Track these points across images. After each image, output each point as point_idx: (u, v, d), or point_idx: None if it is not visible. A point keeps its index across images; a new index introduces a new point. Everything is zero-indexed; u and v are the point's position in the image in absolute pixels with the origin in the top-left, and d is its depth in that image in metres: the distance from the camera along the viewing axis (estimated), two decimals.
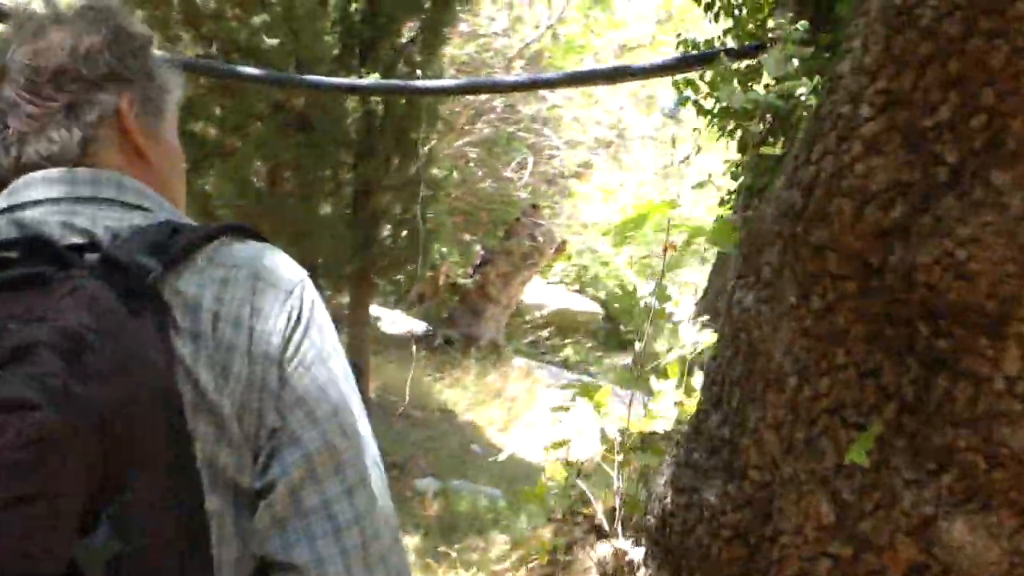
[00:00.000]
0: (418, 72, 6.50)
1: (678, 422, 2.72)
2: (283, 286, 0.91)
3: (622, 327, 23.65)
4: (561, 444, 3.36)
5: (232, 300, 0.88)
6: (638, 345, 2.76)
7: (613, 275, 21.16)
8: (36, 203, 0.94)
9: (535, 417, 11.51)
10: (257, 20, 6.07)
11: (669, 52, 17.83)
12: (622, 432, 2.78)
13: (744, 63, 5.85)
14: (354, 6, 6.58)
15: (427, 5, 7.03)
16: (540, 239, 14.85)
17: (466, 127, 12.08)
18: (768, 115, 4.09)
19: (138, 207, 0.96)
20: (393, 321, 13.76)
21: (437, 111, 7.39)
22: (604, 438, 2.80)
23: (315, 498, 0.85)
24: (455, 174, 10.17)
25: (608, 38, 15.37)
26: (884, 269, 1.39)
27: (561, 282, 22.26)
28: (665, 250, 2.73)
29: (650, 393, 3.07)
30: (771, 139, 5.36)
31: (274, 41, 6.18)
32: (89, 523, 0.73)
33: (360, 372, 7.52)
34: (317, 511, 0.85)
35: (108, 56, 1.01)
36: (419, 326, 14.68)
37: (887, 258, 1.37)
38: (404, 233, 7.28)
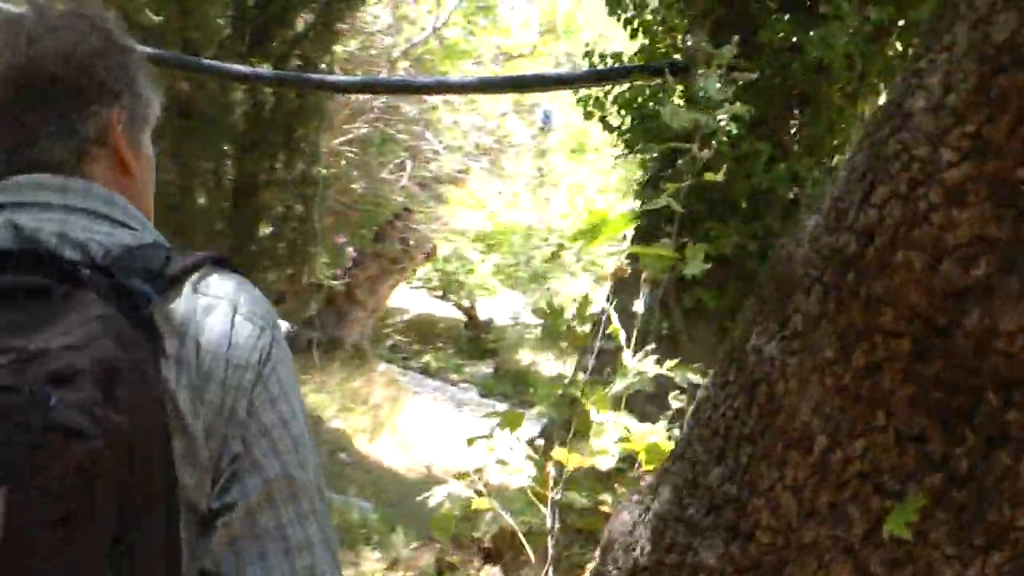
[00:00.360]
0: (323, 66, 6.21)
1: (622, 460, 2.57)
2: (258, 322, 0.97)
3: (483, 336, 23.67)
4: (478, 471, 3.16)
5: (213, 330, 0.93)
6: (582, 375, 2.60)
7: (479, 283, 21.11)
8: (28, 205, 0.96)
9: (401, 425, 11.29)
10: None
11: (551, 62, 17.89)
12: (558, 466, 2.61)
13: (650, 82, 5.83)
14: None
15: None
16: (412, 243, 14.61)
17: (344, 125, 11.75)
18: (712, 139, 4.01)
19: (125, 224, 1.00)
20: None
21: (326, 108, 7.10)
22: (540, 473, 2.62)
23: (271, 522, 0.91)
24: (330, 172, 9.87)
25: (489, 43, 15.27)
26: (951, 331, 1.27)
27: (423, 287, 22.08)
28: (616, 275, 2.58)
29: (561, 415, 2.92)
30: (679, 162, 5.32)
31: (159, 18, 5.78)
32: (113, 549, 0.78)
33: None
34: (272, 534, 0.91)
35: (100, 68, 1.03)
36: (282, 326, 14.21)
37: (960, 320, 1.25)
38: (286, 231, 6.95)
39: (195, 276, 0.97)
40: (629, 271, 2.60)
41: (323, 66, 6.39)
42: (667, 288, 5.18)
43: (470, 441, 3.29)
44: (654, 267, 2.89)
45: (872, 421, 1.41)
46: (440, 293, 22.97)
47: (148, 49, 4.18)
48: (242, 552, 0.91)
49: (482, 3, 15.58)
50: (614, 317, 2.79)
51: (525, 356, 22.63)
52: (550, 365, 22.75)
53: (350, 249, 12.70)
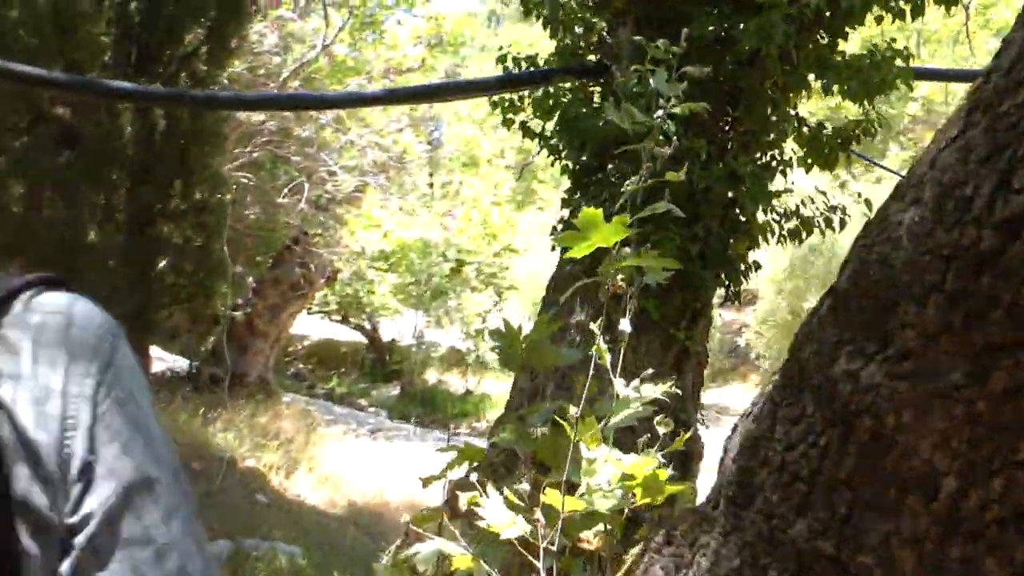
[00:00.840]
0: (225, 82, 5.76)
1: (623, 499, 2.29)
2: (94, 331, 0.94)
3: (387, 357, 23.26)
4: (434, 514, 2.83)
5: (49, 344, 0.91)
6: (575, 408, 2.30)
7: (380, 304, 20.69)
8: None
9: (316, 458, 10.85)
10: (15, 14, 5.16)
11: (438, 76, 17.55)
12: (548, 512, 2.30)
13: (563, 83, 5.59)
14: (133, 5, 5.76)
15: (213, 14, 6.30)
16: (312, 268, 14.15)
17: (235, 149, 11.24)
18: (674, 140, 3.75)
19: None
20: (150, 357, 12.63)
21: (222, 129, 6.64)
22: (529, 520, 2.30)
23: (135, 526, 0.88)
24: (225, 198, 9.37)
25: (378, 58, 14.92)
26: None
27: (321, 311, 21.56)
28: (613, 294, 2.29)
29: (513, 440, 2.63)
30: (604, 167, 5.09)
31: (35, 41, 5.29)
32: None
33: None
34: (137, 539, 0.88)
35: None
36: (180, 363, 13.61)
37: None
38: (185, 265, 6.45)
39: (26, 295, 0.92)
40: (624, 286, 2.32)
41: (225, 83, 5.94)
42: (607, 297, 4.94)
43: (425, 482, 2.96)
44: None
45: (1015, 454, 1.15)
46: (339, 317, 22.47)
47: (33, 69, 3.77)
48: (110, 563, 0.86)
49: (368, 18, 15.25)
50: (600, 340, 2.50)
51: (430, 375, 22.29)
52: (457, 382, 22.50)
53: (250, 279, 12.15)
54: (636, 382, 2.43)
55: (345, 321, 22.72)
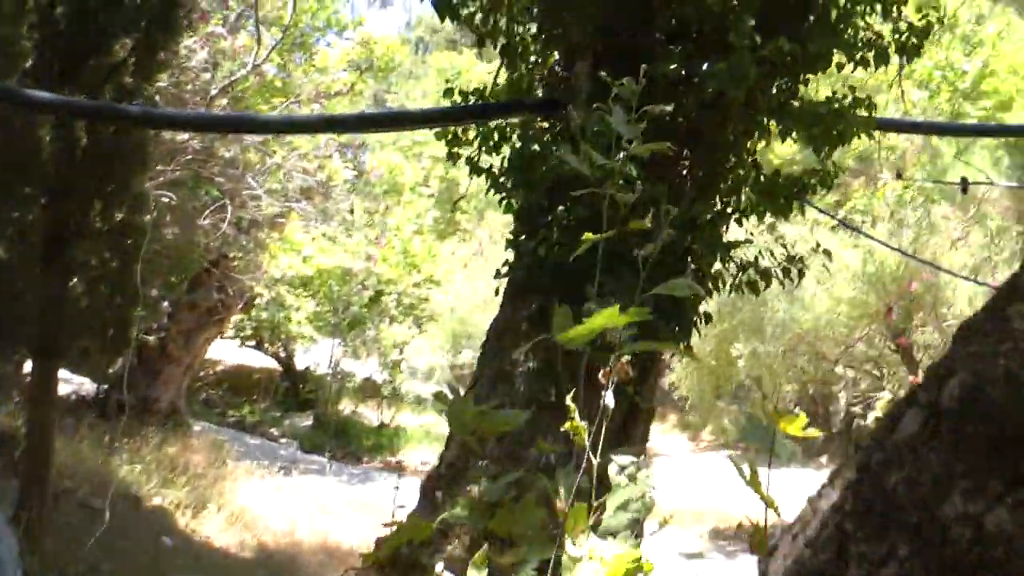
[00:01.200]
0: (157, 98, 5.41)
1: None
2: None
3: (301, 386, 22.66)
4: None
5: None
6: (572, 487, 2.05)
7: (298, 332, 20.16)
8: None
9: (227, 494, 10.36)
10: None
11: (365, 101, 17.23)
12: None
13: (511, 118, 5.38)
14: (59, 10, 5.38)
15: (144, 24, 5.94)
16: (230, 292, 13.65)
17: (157, 167, 10.75)
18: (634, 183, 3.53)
19: None
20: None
21: (148, 147, 6.27)
22: None
23: None
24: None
25: (307, 81, 14.58)
26: None
27: (236, 336, 20.91)
28: (612, 372, 2.05)
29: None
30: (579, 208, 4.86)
31: None
32: None
33: (43, 461, 6.18)
34: None
35: None
36: (87, 385, 12.96)
37: None
38: (101, 290, 6.03)
39: None
40: (629, 371, 2.08)
41: (156, 98, 5.58)
42: (553, 350, 4.70)
43: (366, 559, 2.70)
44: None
45: None
46: (254, 342, 21.84)
47: None
48: None
49: (299, 38, 14.94)
50: (575, 412, 2.25)
51: (345, 406, 21.78)
52: (371, 415, 22.01)
53: (165, 303, 11.62)
54: (628, 465, 2.19)
55: (260, 347, 22.11)
